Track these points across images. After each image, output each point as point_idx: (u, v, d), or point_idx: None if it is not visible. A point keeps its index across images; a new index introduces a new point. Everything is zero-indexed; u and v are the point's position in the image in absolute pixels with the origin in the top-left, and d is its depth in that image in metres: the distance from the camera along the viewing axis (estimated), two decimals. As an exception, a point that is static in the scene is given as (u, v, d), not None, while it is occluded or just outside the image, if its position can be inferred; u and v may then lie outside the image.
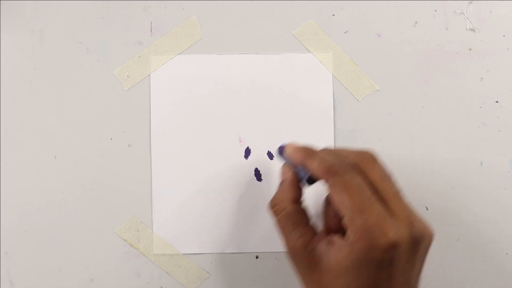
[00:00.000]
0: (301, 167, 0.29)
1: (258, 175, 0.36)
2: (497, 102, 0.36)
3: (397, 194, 0.27)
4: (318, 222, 0.31)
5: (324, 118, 0.36)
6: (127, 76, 0.36)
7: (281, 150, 0.32)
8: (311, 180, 0.30)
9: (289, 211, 0.29)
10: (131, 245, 0.35)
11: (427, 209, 0.36)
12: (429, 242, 0.28)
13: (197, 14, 0.36)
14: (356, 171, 0.27)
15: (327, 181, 0.27)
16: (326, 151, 0.30)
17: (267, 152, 0.36)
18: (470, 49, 0.36)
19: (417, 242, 0.26)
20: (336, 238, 0.27)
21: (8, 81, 0.36)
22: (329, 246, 0.27)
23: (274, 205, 0.30)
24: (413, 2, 0.36)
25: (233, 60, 0.36)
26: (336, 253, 0.26)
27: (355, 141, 0.36)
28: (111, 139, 0.36)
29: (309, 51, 0.36)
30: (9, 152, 0.36)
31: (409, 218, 0.27)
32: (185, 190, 0.35)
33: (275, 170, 0.35)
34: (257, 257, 0.36)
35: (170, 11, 0.36)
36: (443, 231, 0.35)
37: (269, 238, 0.35)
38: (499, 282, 0.35)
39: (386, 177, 0.28)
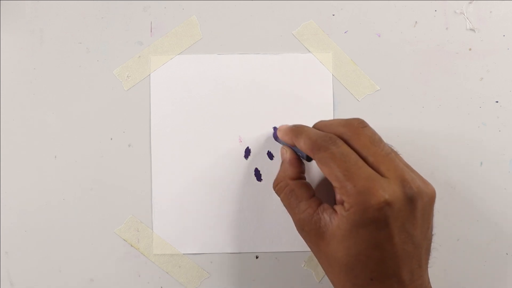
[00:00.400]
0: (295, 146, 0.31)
1: (258, 175, 0.36)
2: (497, 102, 0.36)
3: (388, 155, 0.28)
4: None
5: (324, 118, 0.36)
6: (127, 76, 0.36)
7: (275, 133, 0.33)
8: (310, 157, 0.31)
9: (291, 188, 0.30)
10: (131, 245, 0.35)
11: (427, 209, 0.36)
12: (430, 200, 0.28)
13: (197, 14, 0.36)
14: (340, 141, 0.28)
15: (314, 157, 0.28)
16: (316, 124, 0.31)
17: (267, 152, 0.36)
18: (470, 49, 0.36)
19: (413, 200, 0.27)
20: (338, 208, 0.27)
21: (8, 81, 0.36)
22: (332, 216, 0.28)
23: (277, 184, 0.32)
24: (413, 2, 0.36)
25: (233, 60, 0.36)
26: (338, 221, 0.27)
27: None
28: (111, 139, 0.36)
29: (309, 51, 0.36)
30: (9, 152, 0.36)
31: (402, 177, 0.27)
32: (185, 190, 0.35)
33: (275, 170, 0.35)
34: (257, 257, 0.36)
35: (170, 11, 0.36)
36: (443, 231, 0.35)
37: (269, 238, 0.35)
38: (499, 282, 0.35)
39: (376, 141, 0.28)
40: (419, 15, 0.36)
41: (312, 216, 0.28)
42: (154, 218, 0.35)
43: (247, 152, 0.36)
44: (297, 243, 0.35)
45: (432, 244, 0.29)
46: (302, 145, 0.29)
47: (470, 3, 0.36)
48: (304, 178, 0.32)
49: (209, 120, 0.36)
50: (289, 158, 0.32)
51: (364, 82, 0.36)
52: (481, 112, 0.36)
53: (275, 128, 0.34)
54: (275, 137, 0.34)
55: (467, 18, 0.36)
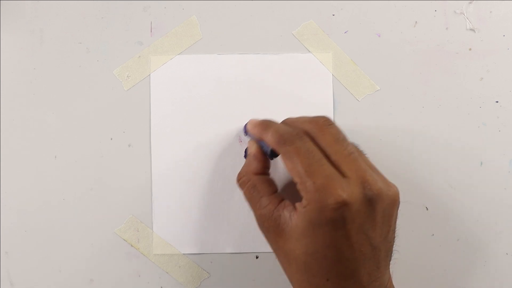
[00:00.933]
0: (262, 141, 0.31)
1: (258, 175, 0.35)
2: (497, 102, 0.36)
3: (350, 155, 0.27)
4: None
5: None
6: (127, 76, 0.36)
7: (245, 127, 0.33)
8: (274, 153, 0.31)
9: (253, 183, 0.30)
10: (131, 245, 0.35)
11: (427, 209, 0.36)
12: (391, 202, 0.28)
13: (197, 14, 0.36)
14: (307, 137, 0.28)
15: (279, 150, 0.28)
16: (285, 120, 0.31)
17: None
18: (470, 49, 0.36)
19: (372, 202, 0.26)
20: (297, 204, 0.27)
21: (8, 81, 0.36)
22: (292, 213, 0.28)
23: (240, 178, 0.31)
24: (413, 2, 0.36)
25: (233, 60, 0.36)
26: (296, 218, 0.27)
27: (355, 141, 0.36)
28: (111, 139, 0.36)
29: (309, 51, 0.36)
30: (9, 152, 0.36)
31: (363, 178, 0.27)
32: (185, 190, 0.35)
33: (274, 171, 0.35)
34: (257, 257, 0.36)
35: (170, 11, 0.36)
36: (443, 231, 0.35)
37: (269, 238, 0.35)
38: (499, 282, 0.35)
39: (339, 139, 0.28)
40: (419, 15, 0.36)
41: (273, 213, 0.28)
42: (154, 218, 0.35)
43: (247, 152, 0.35)
44: (297, 243, 0.35)
45: (394, 246, 0.29)
46: (270, 138, 0.29)
47: (470, 3, 0.36)
48: (268, 174, 0.32)
49: (209, 120, 0.36)
50: (254, 152, 0.32)
51: (364, 82, 0.36)
52: (481, 112, 0.36)
53: (245, 125, 0.34)
54: (245, 131, 0.34)
55: (467, 18, 0.36)
